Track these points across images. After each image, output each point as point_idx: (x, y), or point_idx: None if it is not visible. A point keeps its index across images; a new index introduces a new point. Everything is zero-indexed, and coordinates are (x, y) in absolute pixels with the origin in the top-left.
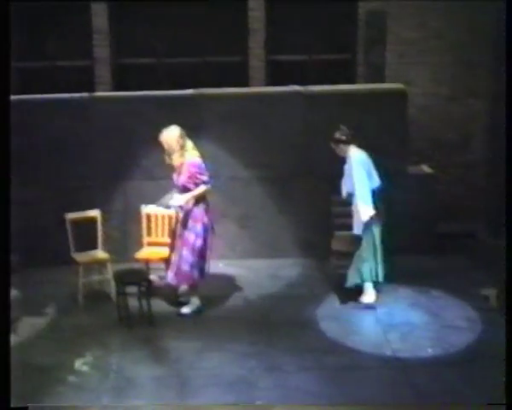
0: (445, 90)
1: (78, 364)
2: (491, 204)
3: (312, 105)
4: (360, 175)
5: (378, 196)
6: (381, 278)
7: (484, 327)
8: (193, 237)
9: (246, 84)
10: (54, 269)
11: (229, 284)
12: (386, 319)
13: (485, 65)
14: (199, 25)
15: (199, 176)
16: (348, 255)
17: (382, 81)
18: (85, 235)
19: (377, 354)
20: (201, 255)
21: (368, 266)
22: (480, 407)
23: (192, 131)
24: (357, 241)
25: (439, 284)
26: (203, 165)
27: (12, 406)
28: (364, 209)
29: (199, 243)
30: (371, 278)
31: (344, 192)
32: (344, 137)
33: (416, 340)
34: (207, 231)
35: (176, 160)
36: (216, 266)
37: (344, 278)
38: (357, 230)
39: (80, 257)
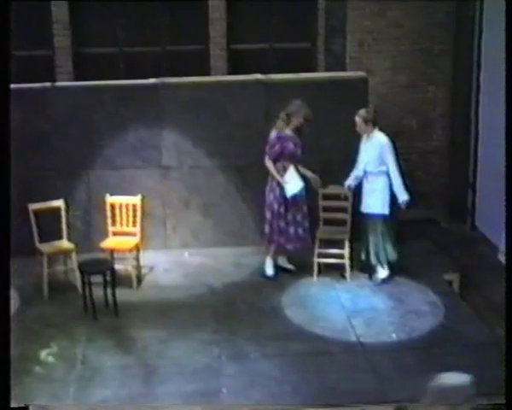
0: (404, 78)
1: (44, 354)
2: (452, 190)
3: (273, 94)
4: (394, 160)
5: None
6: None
7: (446, 312)
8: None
9: (207, 73)
10: (17, 260)
11: (193, 273)
12: (351, 305)
13: (444, 53)
14: (159, 14)
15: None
16: (332, 244)
17: (343, 70)
18: (49, 225)
19: (342, 339)
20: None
21: (389, 246)
22: (480, 406)
23: (153, 120)
24: (378, 222)
25: (401, 269)
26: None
27: (12, 406)
28: (402, 192)
29: (267, 213)
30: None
31: (353, 177)
32: (373, 117)
33: (380, 325)
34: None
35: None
36: (181, 255)
37: (324, 266)
38: (382, 209)
39: (45, 247)
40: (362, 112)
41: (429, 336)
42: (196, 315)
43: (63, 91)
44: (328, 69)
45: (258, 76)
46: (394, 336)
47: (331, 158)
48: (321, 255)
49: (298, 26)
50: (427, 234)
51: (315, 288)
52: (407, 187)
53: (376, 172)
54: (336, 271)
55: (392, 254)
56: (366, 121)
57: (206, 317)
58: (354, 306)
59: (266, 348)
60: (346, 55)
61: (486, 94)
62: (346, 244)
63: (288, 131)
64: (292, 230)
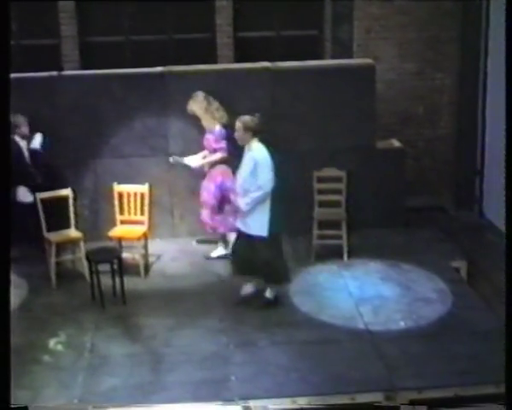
0: (412, 65)
1: (52, 343)
2: (460, 177)
3: (280, 81)
4: (268, 179)
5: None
6: None
7: (454, 299)
8: (205, 194)
9: (213, 62)
10: (25, 248)
11: (200, 261)
12: (358, 292)
13: (451, 40)
14: (166, 2)
15: (213, 144)
16: (331, 225)
17: (350, 57)
18: (57, 214)
19: (349, 327)
20: (215, 211)
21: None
22: (480, 406)
23: (160, 108)
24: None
25: (409, 257)
26: (222, 133)
27: (12, 406)
28: (261, 221)
29: (211, 200)
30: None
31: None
32: (256, 126)
33: (388, 313)
34: (221, 190)
35: (205, 123)
36: (188, 243)
37: (326, 248)
38: (259, 231)
39: (53, 236)
40: (245, 118)
41: (437, 324)
42: (204, 303)
43: (70, 80)
44: (335, 56)
45: (265, 64)
46: (402, 323)
47: (336, 144)
48: (319, 237)
49: (305, 13)
50: (434, 221)
51: (322, 275)
52: (274, 221)
53: (253, 191)
54: (340, 257)
55: (280, 275)
56: (245, 129)
57: (214, 305)
58: (362, 293)
59: (274, 336)
60: (353, 43)
61: (494, 81)
62: (344, 225)
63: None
64: (229, 217)
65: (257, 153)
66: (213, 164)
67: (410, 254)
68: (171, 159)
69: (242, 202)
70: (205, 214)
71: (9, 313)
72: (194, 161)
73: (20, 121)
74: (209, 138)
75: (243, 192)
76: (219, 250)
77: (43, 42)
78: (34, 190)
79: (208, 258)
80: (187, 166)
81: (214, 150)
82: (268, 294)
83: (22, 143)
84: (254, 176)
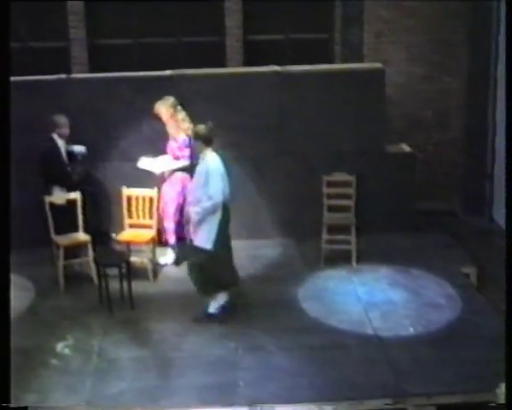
0: (421, 68)
1: (60, 347)
2: (469, 181)
3: (290, 85)
4: (218, 188)
5: (227, 208)
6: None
7: (464, 305)
8: (166, 201)
9: (223, 65)
10: (33, 251)
11: None
12: (367, 297)
13: (460, 44)
14: (176, 5)
15: (177, 151)
16: (340, 229)
17: (360, 60)
18: (65, 217)
19: (358, 332)
20: (170, 218)
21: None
22: (481, 407)
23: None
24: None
25: (418, 262)
26: (185, 141)
27: (12, 406)
28: (208, 233)
29: (171, 207)
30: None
31: (194, 195)
32: (207, 135)
33: (397, 318)
34: (182, 197)
35: (169, 129)
36: None
37: (335, 253)
38: (203, 243)
39: (61, 239)
40: (197, 126)
41: (446, 330)
42: None
43: (79, 83)
44: (344, 60)
45: (275, 67)
46: (411, 329)
47: (345, 148)
48: (328, 242)
49: (314, 16)
50: (444, 226)
51: (331, 281)
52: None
53: (205, 200)
54: (349, 262)
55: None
56: (196, 137)
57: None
58: (371, 299)
59: (282, 341)
60: (362, 46)
61: (504, 84)
62: (353, 230)
63: None
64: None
65: (209, 163)
66: (174, 171)
67: (419, 260)
68: (139, 163)
69: (193, 212)
70: (165, 222)
71: (9, 314)
72: (157, 167)
73: (61, 121)
74: (172, 146)
75: (195, 202)
76: (170, 257)
77: (51, 44)
78: (69, 190)
79: (158, 264)
80: (150, 172)
81: (177, 157)
82: (211, 308)
83: (60, 143)
84: (206, 186)
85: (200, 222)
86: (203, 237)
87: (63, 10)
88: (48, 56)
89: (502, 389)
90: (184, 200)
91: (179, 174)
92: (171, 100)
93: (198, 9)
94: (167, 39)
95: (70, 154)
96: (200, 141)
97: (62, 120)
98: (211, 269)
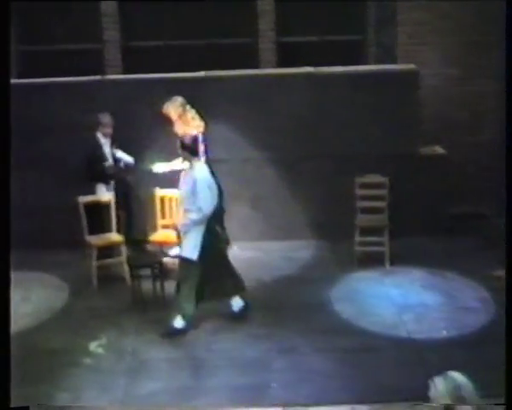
0: (455, 70)
1: (93, 346)
2: (503, 184)
3: (323, 86)
4: (206, 197)
5: (216, 217)
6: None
7: (497, 308)
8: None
9: (256, 66)
10: (67, 251)
11: (242, 266)
12: (401, 300)
13: (494, 45)
14: (208, 7)
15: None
16: (373, 231)
17: (394, 62)
18: (98, 218)
19: (391, 335)
20: None
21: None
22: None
23: (203, 113)
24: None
25: (452, 265)
26: (200, 138)
27: (12, 406)
28: (194, 243)
29: None
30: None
31: (182, 205)
32: (193, 146)
33: (431, 321)
34: None
35: (178, 128)
36: (230, 248)
37: (367, 255)
38: (190, 254)
39: (94, 240)
40: (184, 137)
41: (480, 333)
42: None
43: (112, 84)
44: (378, 62)
45: (308, 69)
46: (444, 332)
47: (378, 150)
48: (361, 244)
49: (348, 17)
50: (476, 229)
51: (364, 282)
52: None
53: (194, 211)
54: (382, 264)
55: (186, 308)
56: (183, 148)
57: (255, 310)
58: (404, 301)
59: (315, 343)
60: (396, 48)
61: None
62: (386, 232)
63: None
64: None
65: (196, 172)
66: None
67: (452, 263)
68: (154, 168)
69: (180, 222)
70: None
71: (9, 314)
72: (160, 167)
73: (106, 120)
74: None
75: (183, 212)
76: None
77: (85, 46)
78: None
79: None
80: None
81: None
82: (176, 323)
83: (103, 141)
84: (194, 196)
85: (186, 233)
86: (189, 248)
87: (97, 13)
88: (82, 58)
89: (438, 386)
90: None
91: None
92: (179, 100)
93: (231, 11)
94: (200, 41)
95: (116, 159)
96: (187, 151)
97: (106, 118)
98: (191, 282)
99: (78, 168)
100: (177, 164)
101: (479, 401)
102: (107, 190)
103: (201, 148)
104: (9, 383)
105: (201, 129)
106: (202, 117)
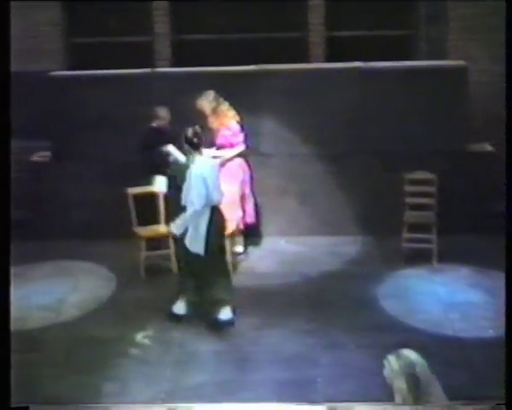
0: (504, 67)
1: (140, 337)
2: None
3: (372, 81)
4: (197, 191)
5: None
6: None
7: None
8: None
9: (305, 61)
10: (115, 242)
11: (288, 261)
12: (447, 298)
13: None
14: (259, 0)
15: (231, 139)
16: (421, 228)
17: (443, 58)
18: (147, 209)
19: (437, 333)
20: (237, 206)
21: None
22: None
23: (251, 107)
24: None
25: (499, 264)
26: (237, 128)
27: (12, 406)
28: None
29: (236, 196)
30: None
31: (183, 200)
32: (195, 140)
33: (477, 320)
34: (244, 184)
35: (212, 122)
36: (276, 242)
37: (415, 252)
38: (196, 248)
39: (143, 231)
40: (187, 130)
41: None
42: (291, 303)
43: (162, 77)
44: (428, 57)
45: (358, 63)
46: (491, 331)
47: (426, 146)
48: (409, 240)
49: (398, 12)
50: None
51: (411, 279)
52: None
53: (188, 206)
54: (430, 261)
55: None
56: (186, 141)
57: (301, 305)
58: (451, 299)
59: (361, 339)
60: (446, 43)
61: None
62: (434, 229)
63: None
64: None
65: (193, 167)
66: (229, 159)
67: (500, 261)
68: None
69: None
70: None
71: (10, 312)
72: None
73: (162, 113)
74: (226, 134)
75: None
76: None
77: (136, 39)
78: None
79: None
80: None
81: (231, 145)
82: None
83: (159, 134)
84: (188, 191)
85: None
86: (196, 242)
87: (148, 6)
88: (133, 51)
89: (392, 364)
90: (247, 185)
91: (237, 161)
92: (212, 94)
93: (281, 5)
94: (251, 35)
95: (167, 153)
96: (188, 145)
97: (162, 112)
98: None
99: (128, 160)
100: (226, 153)
101: (431, 377)
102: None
103: (242, 137)
104: (10, 383)
105: (237, 118)
106: (236, 109)
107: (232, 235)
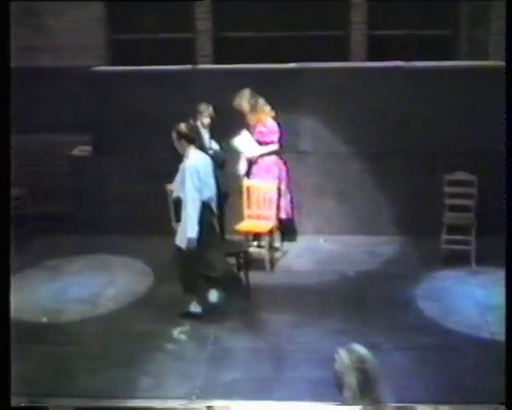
0: None
1: (176, 332)
2: None
3: (413, 81)
4: (192, 185)
5: (210, 208)
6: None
7: None
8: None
9: (347, 59)
10: (154, 238)
11: (325, 259)
12: (486, 300)
13: None
14: None
15: (267, 136)
16: (460, 230)
17: (485, 58)
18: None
19: (475, 335)
20: (273, 203)
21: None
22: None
23: (292, 105)
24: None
25: None
26: (274, 125)
27: (12, 405)
28: (190, 227)
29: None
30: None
31: (175, 193)
32: (189, 134)
33: None
34: (280, 181)
35: (251, 119)
36: (314, 241)
37: (453, 253)
38: (179, 242)
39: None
40: (179, 125)
41: None
42: (327, 302)
43: (204, 74)
44: (469, 57)
45: (399, 63)
46: None
47: (466, 147)
48: (448, 242)
49: (440, 12)
50: None
51: (449, 281)
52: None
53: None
54: (468, 263)
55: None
56: (179, 136)
57: (337, 305)
58: (489, 302)
59: (397, 340)
60: (488, 44)
61: None
62: (473, 231)
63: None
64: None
65: (188, 161)
66: (264, 156)
67: None
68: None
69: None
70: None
71: (10, 312)
72: (250, 151)
73: (203, 109)
74: (262, 131)
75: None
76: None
77: (178, 36)
78: None
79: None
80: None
81: (266, 143)
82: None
83: (202, 130)
84: (182, 184)
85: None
86: (181, 236)
87: (190, 2)
88: (174, 47)
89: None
90: (282, 182)
91: (273, 158)
92: (248, 92)
93: (323, 3)
94: (293, 33)
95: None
96: (185, 140)
97: (205, 108)
98: (193, 267)
99: (168, 156)
100: (265, 148)
101: (379, 374)
102: None
103: (277, 135)
104: (10, 384)
105: (273, 114)
106: (275, 106)
107: (270, 231)
